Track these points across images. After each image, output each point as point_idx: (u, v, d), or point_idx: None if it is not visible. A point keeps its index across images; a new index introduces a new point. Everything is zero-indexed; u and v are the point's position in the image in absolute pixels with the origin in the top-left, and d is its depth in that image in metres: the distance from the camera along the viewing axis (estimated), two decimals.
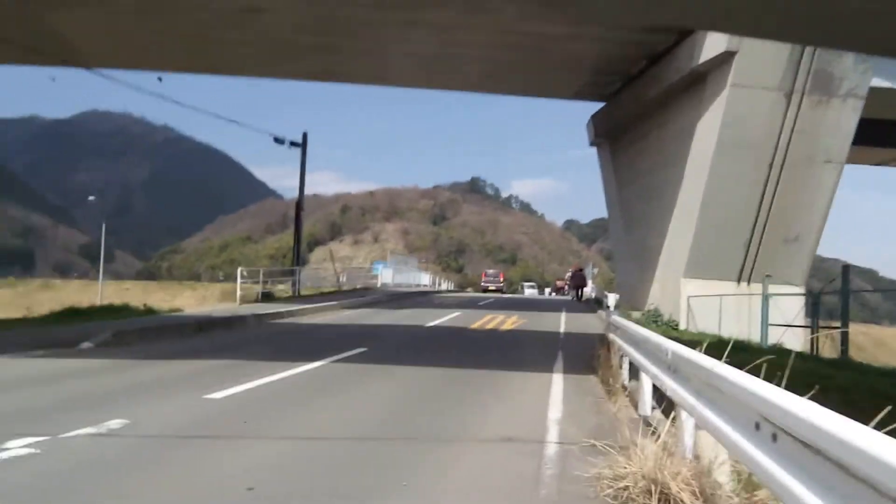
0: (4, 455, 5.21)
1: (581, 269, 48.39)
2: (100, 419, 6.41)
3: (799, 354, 16.42)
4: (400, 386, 9.46)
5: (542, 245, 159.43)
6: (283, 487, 4.71)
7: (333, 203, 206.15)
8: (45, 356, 11.20)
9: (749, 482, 4.41)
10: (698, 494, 4.32)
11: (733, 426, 3.48)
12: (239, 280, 25.84)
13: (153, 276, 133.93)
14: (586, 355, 12.49)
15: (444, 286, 63.56)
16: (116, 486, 4.69)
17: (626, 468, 4.77)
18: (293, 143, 33.15)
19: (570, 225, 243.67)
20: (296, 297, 28.87)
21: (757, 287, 22.22)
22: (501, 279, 68.65)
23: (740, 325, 21.69)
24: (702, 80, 22.51)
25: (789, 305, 20.60)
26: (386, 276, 48.04)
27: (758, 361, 4.52)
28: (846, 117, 21.63)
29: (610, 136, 32.12)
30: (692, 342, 10.06)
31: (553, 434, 6.69)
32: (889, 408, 3.13)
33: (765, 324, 19.57)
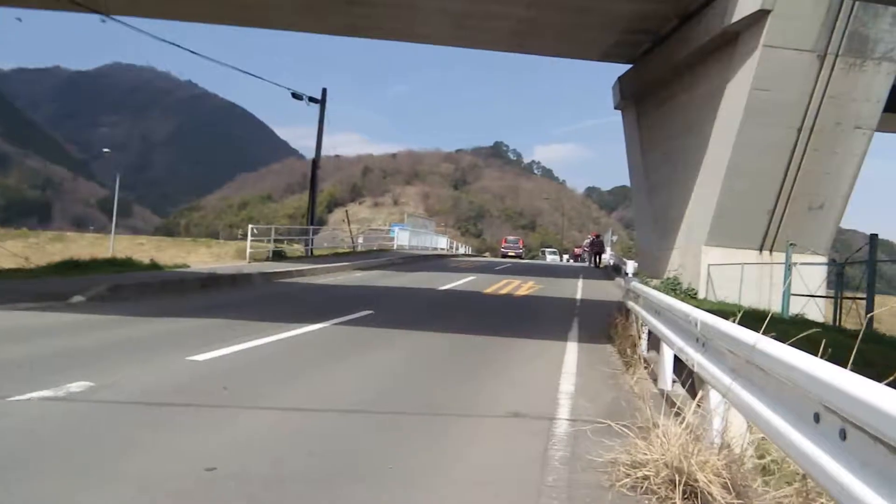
0: None
1: (599, 236, 47.88)
2: (62, 381, 5.84)
3: (822, 326, 15.88)
4: (403, 352, 8.85)
5: (563, 212, 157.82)
6: (251, 468, 4.09)
7: (355, 164, 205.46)
8: (31, 309, 10.67)
9: (788, 473, 3.80)
10: (730, 488, 3.70)
11: (784, 416, 2.84)
12: (249, 238, 25.34)
13: (171, 232, 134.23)
14: (603, 323, 11.89)
15: (461, 250, 63.26)
16: (46, 461, 4.06)
17: (646, 454, 4.14)
18: (312, 99, 32.44)
19: (591, 192, 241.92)
20: (308, 257, 28.38)
21: (779, 256, 21.50)
22: (521, 246, 69.43)
23: (761, 295, 21.04)
24: (733, 41, 21.62)
25: (811, 275, 19.86)
26: (402, 238, 47.37)
27: (800, 335, 3.89)
28: (879, 82, 20.67)
29: (636, 98, 31.26)
30: (713, 311, 9.44)
31: (564, 410, 6.07)
32: None
33: (787, 294, 18.82)
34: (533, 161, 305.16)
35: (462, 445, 4.90)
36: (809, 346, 3.57)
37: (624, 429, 4.55)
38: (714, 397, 4.35)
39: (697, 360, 4.62)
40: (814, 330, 4.03)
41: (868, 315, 15.38)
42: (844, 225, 23.09)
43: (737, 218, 21.98)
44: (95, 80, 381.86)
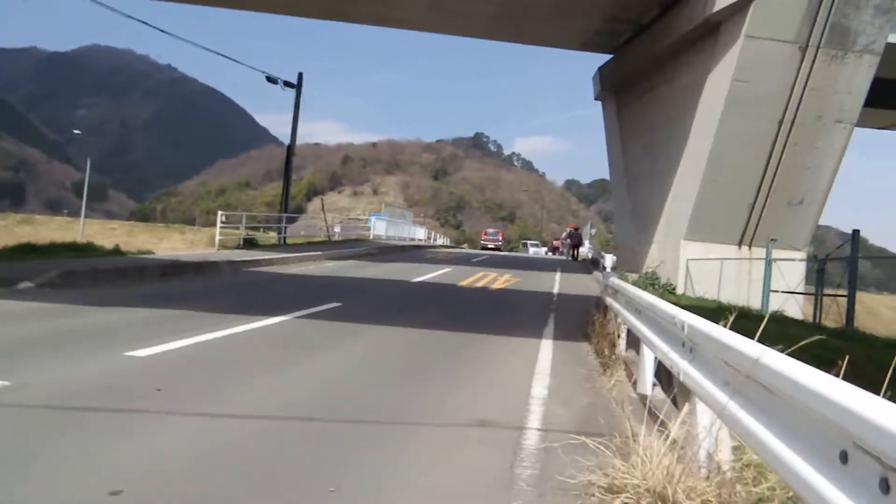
0: None
1: (577, 229, 47.45)
2: None
3: (801, 323, 15.49)
4: (367, 350, 8.25)
5: (542, 204, 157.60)
6: (164, 491, 3.49)
7: (335, 153, 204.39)
8: None
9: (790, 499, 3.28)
10: None
11: (798, 450, 2.29)
12: (218, 224, 24.60)
13: (147, 217, 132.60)
14: (580, 320, 11.38)
15: (440, 241, 62.85)
16: None
17: (626, 477, 3.61)
18: (287, 84, 31.62)
19: (570, 185, 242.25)
20: (280, 246, 27.69)
21: (758, 251, 21.21)
22: (500, 238, 70.36)
23: (739, 291, 20.73)
24: (715, 31, 21.25)
25: (791, 271, 19.52)
26: (379, 228, 46.63)
27: (808, 341, 3.37)
28: (860, 75, 20.38)
29: (616, 89, 30.86)
30: (692, 307, 8.94)
31: (536, 417, 5.53)
32: None
33: (766, 290, 18.46)
34: (513, 153, 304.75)
35: (419, 462, 4.32)
36: (808, 355, 3.06)
37: (601, 446, 3.99)
38: (703, 412, 3.82)
39: (684, 368, 4.08)
40: (818, 337, 3.49)
41: (849, 313, 15.05)
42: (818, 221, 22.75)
43: (717, 212, 21.63)
44: (73, 61, 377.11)
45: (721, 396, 3.14)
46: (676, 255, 22.47)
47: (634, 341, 7.53)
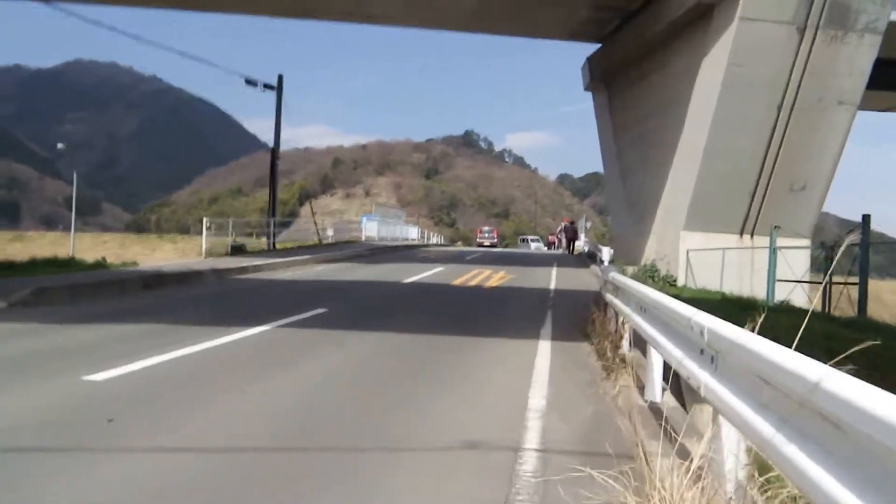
0: None
1: (573, 223, 47.05)
2: None
3: (812, 314, 14.85)
4: (349, 361, 7.64)
5: (536, 199, 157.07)
6: None
7: (325, 156, 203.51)
8: None
9: None
10: None
11: None
12: (204, 231, 23.97)
13: (142, 228, 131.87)
14: (579, 317, 10.80)
15: (433, 240, 62.46)
16: None
17: None
18: (267, 86, 31.04)
19: (563, 179, 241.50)
20: (269, 251, 27.07)
21: (760, 240, 20.57)
22: (496, 235, 71.45)
23: (742, 281, 20.13)
24: (708, 14, 20.59)
25: (795, 260, 18.88)
26: (371, 229, 46.02)
27: (856, 348, 2.77)
28: (862, 55, 19.68)
29: (606, 79, 30.19)
30: (695, 300, 8.33)
31: (534, 435, 4.92)
32: None
33: (772, 280, 17.80)
34: (504, 149, 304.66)
35: (402, 499, 3.73)
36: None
37: (609, 479, 3.37)
38: (729, 433, 3.20)
39: (704, 381, 3.45)
40: (871, 342, 2.87)
41: (860, 301, 14.46)
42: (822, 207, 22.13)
43: (716, 201, 21.01)
44: (57, 77, 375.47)
45: (761, 425, 2.51)
46: (676, 247, 21.85)
47: (639, 340, 6.93)
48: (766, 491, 3.10)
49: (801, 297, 18.17)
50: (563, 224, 50.56)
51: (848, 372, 2.00)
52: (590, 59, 31.08)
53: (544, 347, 8.77)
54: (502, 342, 9.21)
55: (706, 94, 20.59)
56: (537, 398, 6.05)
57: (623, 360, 7.33)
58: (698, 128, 20.89)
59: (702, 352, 3.65)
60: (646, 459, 3.36)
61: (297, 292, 15.22)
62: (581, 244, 43.65)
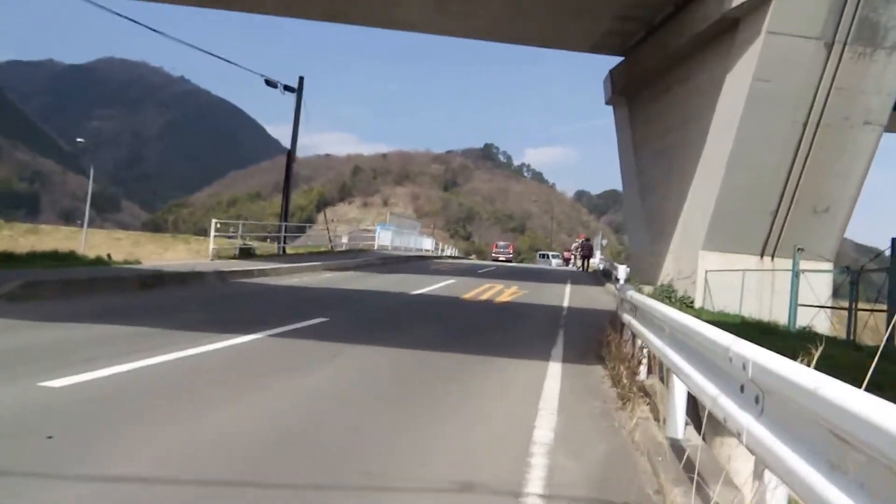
0: None
1: (588, 239, 46.62)
2: None
3: (837, 341, 14.22)
4: (340, 378, 7.01)
5: (552, 215, 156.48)
6: None
7: (345, 164, 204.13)
8: None
9: None
10: None
11: None
12: (212, 233, 23.52)
13: (159, 228, 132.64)
14: (592, 338, 10.20)
15: (448, 252, 62.12)
16: None
17: None
18: (287, 88, 30.62)
19: (580, 196, 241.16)
20: (278, 256, 26.62)
21: (781, 262, 19.88)
22: (511, 250, 72.28)
23: (762, 304, 19.46)
24: (733, 28, 20.06)
25: (817, 284, 18.16)
26: (384, 238, 45.62)
27: None
28: (891, 73, 19.01)
29: (628, 92, 29.69)
30: (714, 323, 7.73)
31: (538, 475, 4.32)
32: None
33: (794, 304, 17.08)
34: (523, 164, 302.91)
35: None
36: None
37: None
38: (773, 488, 2.60)
39: (748, 426, 2.79)
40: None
41: (888, 328, 13.77)
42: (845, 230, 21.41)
43: (737, 220, 20.36)
44: (88, 73, 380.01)
45: (832, 494, 1.91)
46: (694, 266, 21.19)
47: (659, 365, 6.34)
48: None
49: (824, 324, 17.47)
50: (578, 241, 50.05)
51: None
52: (612, 72, 30.63)
53: (554, 370, 8.18)
54: (509, 362, 8.61)
55: (730, 109, 20.00)
56: (544, 429, 5.45)
57: (641, 388, 6.72)
58: (721, 143, 20.28)
59: (742, 388, 3.03)
60: None
61: (300, 299, 14.70)
62: (596, 262, 43.17)
